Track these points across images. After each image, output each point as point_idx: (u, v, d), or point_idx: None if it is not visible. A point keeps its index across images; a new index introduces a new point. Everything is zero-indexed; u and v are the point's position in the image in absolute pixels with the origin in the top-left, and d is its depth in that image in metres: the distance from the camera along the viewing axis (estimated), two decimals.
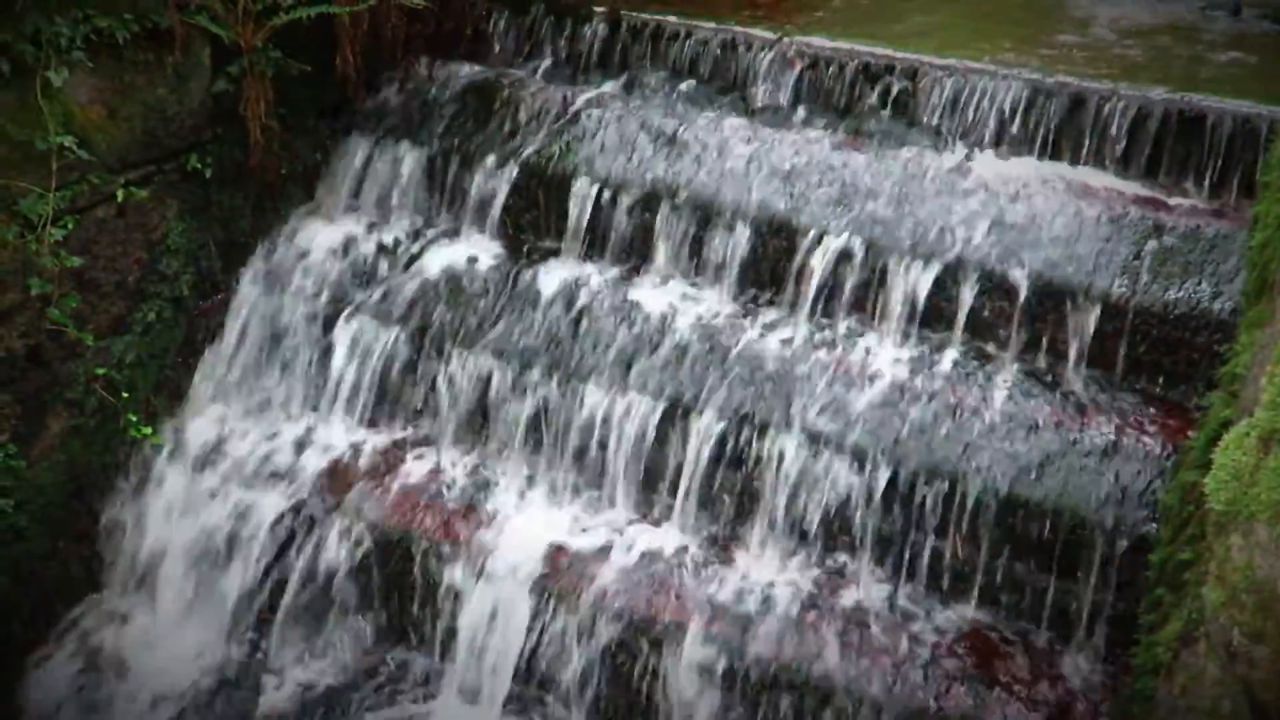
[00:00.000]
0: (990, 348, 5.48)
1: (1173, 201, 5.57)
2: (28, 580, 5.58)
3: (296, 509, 5.60)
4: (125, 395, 5.68)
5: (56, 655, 5.56)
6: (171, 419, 5.95)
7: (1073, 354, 5.36)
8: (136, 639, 5.61)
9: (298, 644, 5.52)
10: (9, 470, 5.38)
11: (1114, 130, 5.75)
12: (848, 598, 5.14)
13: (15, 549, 5.50)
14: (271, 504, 5.63)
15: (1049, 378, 5.35)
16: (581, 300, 5.88)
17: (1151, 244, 5.38)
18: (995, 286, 5.45)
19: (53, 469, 5.57)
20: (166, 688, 5.40)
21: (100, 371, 5.61)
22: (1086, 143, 5.82)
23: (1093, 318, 5.32)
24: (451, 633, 5.36)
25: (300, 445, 5.88)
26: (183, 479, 5.78)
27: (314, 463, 5.79)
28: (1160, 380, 5.26)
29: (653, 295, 5.88)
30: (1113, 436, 5.06)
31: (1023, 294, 5.41)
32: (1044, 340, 5.41)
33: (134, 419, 5.66)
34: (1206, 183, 5.64)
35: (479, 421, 5.81)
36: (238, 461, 5.82)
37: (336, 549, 5.51)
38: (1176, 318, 5.20)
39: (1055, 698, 4.75)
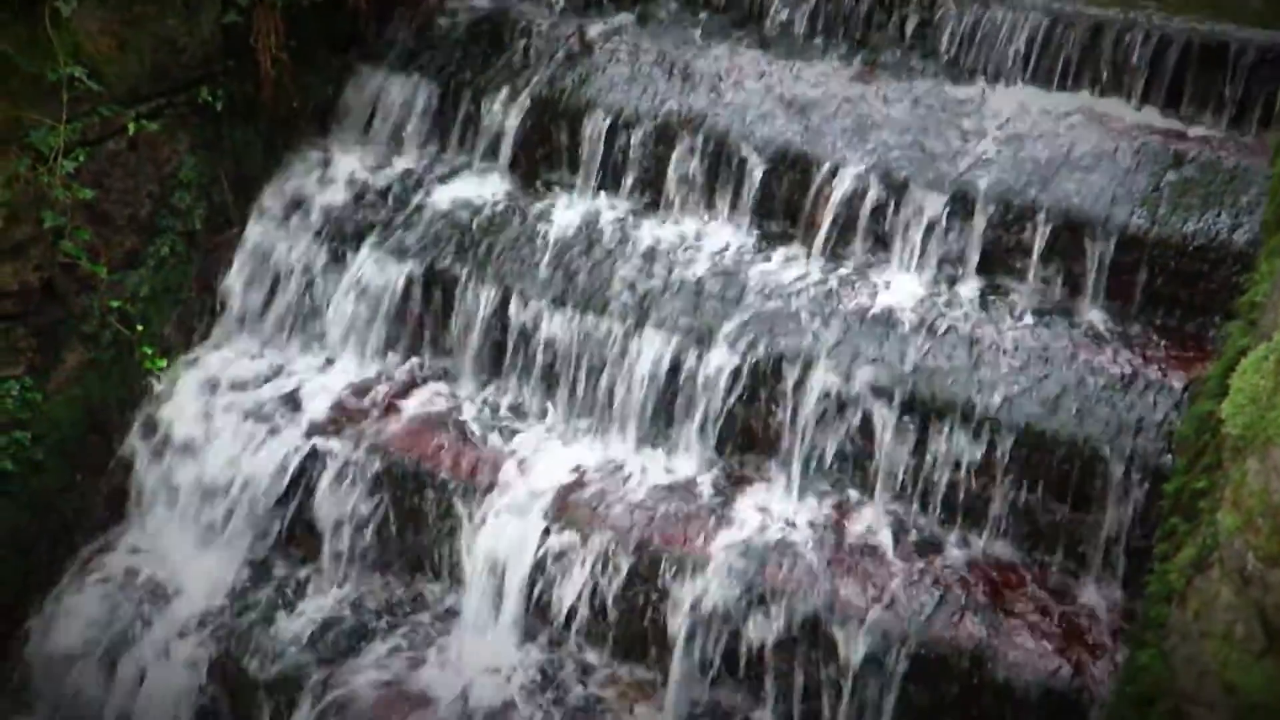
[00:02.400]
0: (1007, 280, 5.44)
1: (1193, 132, 5.52)
2: (46, 513, 5.63)
3: (309, 441, 5.61)
4: (140, 329, 5.70)
5: (76, 587, 5.60)
6: (186, 352, 5.97)
7: (1090, 287, 5.32)
8: (155, 570, 5.64)
9: (312, 574, 5.55)
10: (26, 403, 5.41)
11: (1134, 60, 5.68)
12: (862, 529, 5.14)
13: (33, 482, 5.54)
14: (285, 436, 5.65)
15: (1066, 310, 5.32)
16: (595, 234, 5.86)
17: (1171, 175, 5.32)
18: (1012, 219, 5.41)
19: (69, 402, 5.60)
20: (185, 618, 5.44)
21: (115, 305, 5.62)
22: (1106, 73, 5.75)
23: (1110, 250, 5.28)
24: (465, 563, 5.37)
25: (313, 378, 5.89)
26: (197, 412, 5.79)
27: (327, 396, 5.80)
28: (1178, 313, 5.23)
29: (667, 229, 5.86)
30: (1129, 369, 5.04)
31: (1040, 226, 5.36)
32: (1061, 273, 5.37)
33: (149, 352, 5.68)
34: (1228, 114, 5.57)
35: (492, 355, 5.81)
36: (252, 394, 5.84)
37: (350, 480, 5.52)
38: (1195, 249, 5.15)
39: (1068, 628, 4.76)
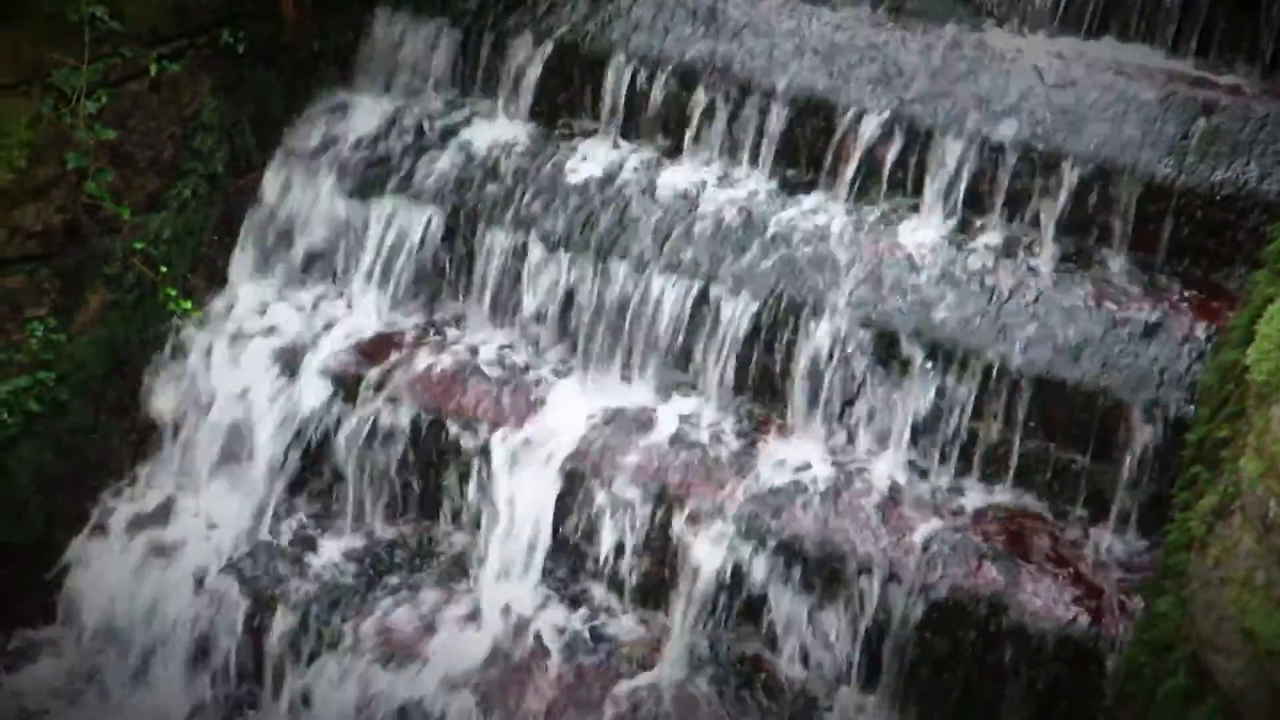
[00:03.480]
0: (1031, 229, 5.40)
1: (1223, 81, 5.45)
2: (70, 453, 5.67)
3: (330, 384, 5.63)
4: (163, 270, 5.71)
5: (101, 526, 5.65)
6: (208, 295, 5.98)
7: (1115, 236, 5.28)
8: (178, 511, 5.69)
9: (335, 517, 5.60)
10: (50, 344, 5.44)
11: (1165, 7, 5.60)
12: (880, 477, 5.15)
13: (58, 422, 5.58)
14: (305, 379, 5.67)
15: (1090, 259, 5.29)
16: (616, 180, 5.83)
17: (1200, 124, 5.27)
18: (1038, 167, 5.36)
19: (93, 344, 5.63)
20: (209, 557, 5.49)
21: (138, 246, 5.64)
22: (1136, 20, 5.68)
23: (1136, 199, 5.23)
24: (484, 508, 5.40)
25: (333, 323, 5.90)
26: (219, 354, 5.81)
27: (347, 340, 5.81)
28: (1203, 263, 5.19)
29: (688, 175, 5.82)
30: (1153, 318, 5.01)
31: (1066, 175, 5.32)
32: (1086, 222, 5.33)
33: (171, 294, 5.70)
34: (1259, 62, 5.50)
35: (513, 301, 5.81)
36: (273, 338, 5.85)
37: (369, 424, 5.54)
38: (1223, 199, 5.11)
39: (1088, 576, 4.76)
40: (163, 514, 5.71)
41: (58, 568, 5.60)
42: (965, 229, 5.43)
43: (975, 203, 5.46)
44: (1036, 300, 5.14)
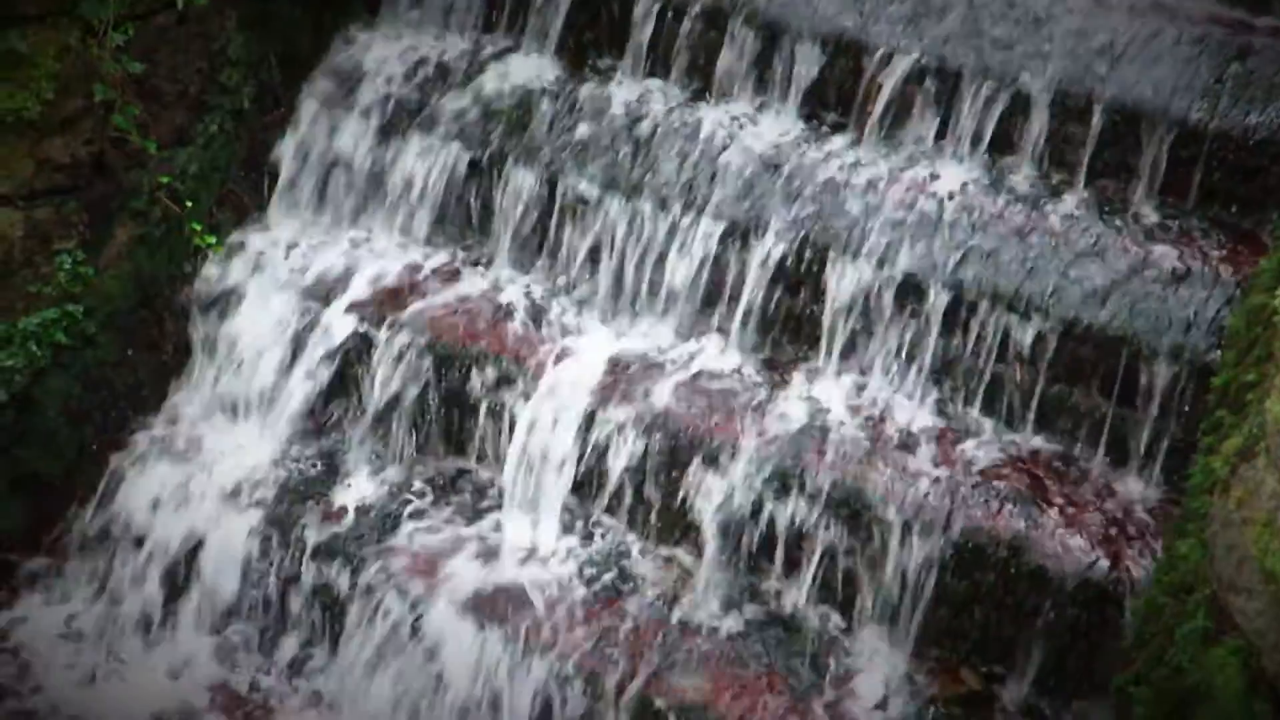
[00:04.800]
0: (1060, 172, 5.36)
1: (1260, 23, 5.36)
2: (99, 387, 5.72)
3: (354, 321, 5.66)
4: (189, 205, 5.73)
5: (129, 459, 5.71)
6: (233, 232, 6.00)
7: (1144, 180, 5.23)
8: (205, 445, 5.74)
9: (360, 453, 5.64)
10: (78, 277, 5.47)
11: None
12: (903, 420, 5.14)
13: (86, 355, 5.63)
14: (330, 316, 5.69)
15: (1119, 204, 5.24)
16: (643, 120, 5.80)
17: (1235, 67, 5.19)
18: (1068, 109, 5.30)
19: (120, 277, 5.67)
20: (234, 491, 5.54)
21: (164, 181, 5.65)
22: None
23: (1168, 143, 5.17)
24: (506, 445, 5.42)
25: (358, 262, 5.91)
26: (245, 291, 5.84)
27: (371, 278, 5.82)
28: (1234, 208, 5.13)
29: (716, 115, 5.79)
30: (1181, 264, 4.97)
31: (1096, 117, 5.26)
32: (1116, 165, 5.27)
33: (198, 228, 5.72)
34: None
35: (537, 240, 5.81)
36: (297, 276, 5.87)
37: (395, 363, 5.57)
38: (1257, 143, 5.04)
39: (1108, 521, 4.76)
40: (190, 448, 5.75)
41: (86, 498, 5.66)
42: (994, 172, 5.39)
43: (1005, 145, 5.41)
44: (1064, 244, 5.10)
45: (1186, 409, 4.77)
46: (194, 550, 5.41)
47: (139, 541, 5.50)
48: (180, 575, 5.44)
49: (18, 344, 5.40)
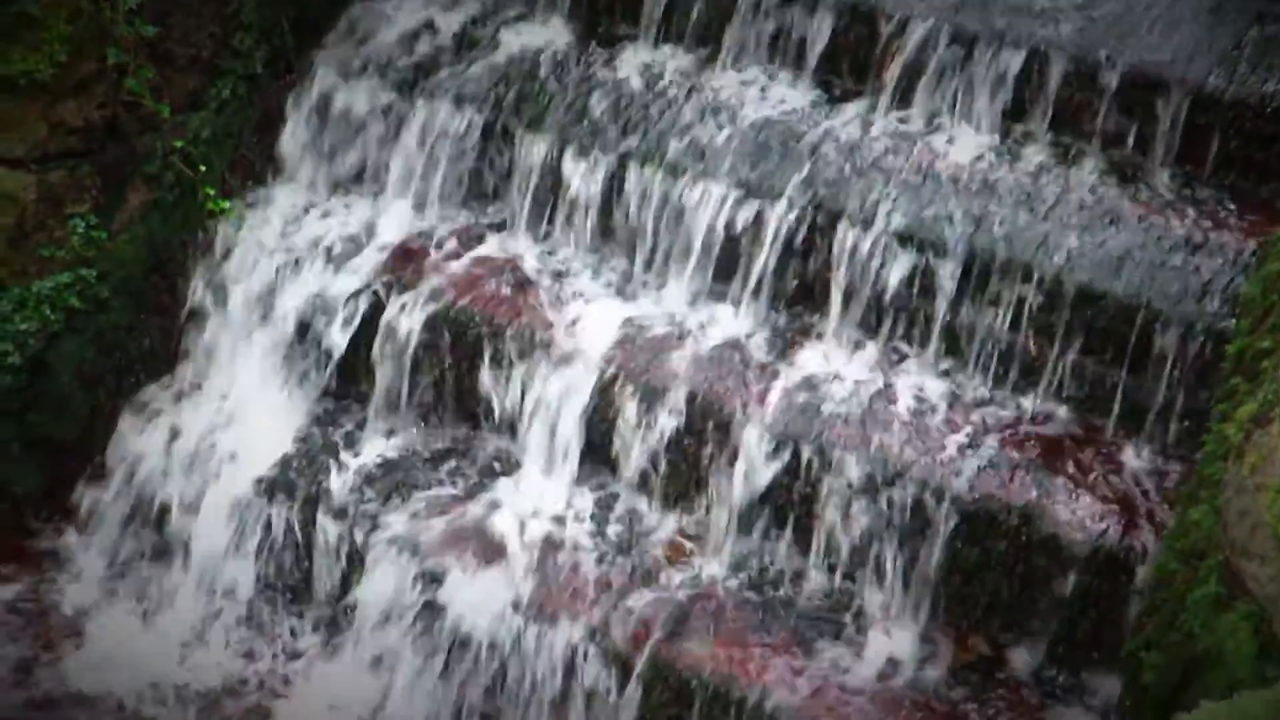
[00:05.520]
0: (1076, 140, 5.32)
1: None
2: (112, 351, 5.76)
3: (368, 287, 5.66)
4: (202, 170, 5.74)
5: (142, 422, 5.73)
6: (246, 197, 6.00)
7: (1160, 147, 5.19)
8: (216, 409, 5.77)
9: (373, 417, 5.65)
10: (91, 241, 5.49)
11: None
12: (915, 388, 5.13)
13: (99, 319, 5.66)
14: (344, 282, 5.70)
15: (1135, 171, 5.20)
16: (655, 86, 5.78)
17: (1253, 33, 5.15)
18: (1084, 76, 5.26)
19: (133, 242, 5.68)
20: (248, 455, 5.56)
21: (177, 145, 5.67)
22: None
23: (1184, 110, 5.13)
24: (520, 411, 5.43)
25: (371, 227, 5.92)
26: (256, 256, 5.85)
27: (384, 244, 5.83)
28: (1251, 176, 5.09)
29: (729, 82, 5.76)
30: (1197, 232, 4.95)
31: (1113, 85, 5.22)
32: (1132, 133, 5.23)
33: (210, 192, 5.72)
34: None
35: (551, 206, 5.80)
36: (310, 241, 5.88)
37: (407, 327, 5.58)
38: (1274, 110, 4.99)
39: (1120, 488, 4.75)
40: (203, 412, 5.78)
41: (99, 461, 5.69)
42: (1009, 139, 5.36)
43: (1020, 113, 5.38)
44: (1079, 212, 5.08)
45: (1200, 377, 4.75)
46: (206, 510, 5.43)
47: (152, 502, 5.53)
48: (192, 534, 5.46)
49: (31, 307, 5.43)
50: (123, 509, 5.61)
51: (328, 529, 5.31)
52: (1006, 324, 5.06)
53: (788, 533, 5.07)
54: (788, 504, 5.03)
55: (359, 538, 5.26)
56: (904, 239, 5.18)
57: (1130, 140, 5.25)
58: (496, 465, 5.50)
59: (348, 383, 5.75)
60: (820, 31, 5.67)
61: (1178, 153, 5.18)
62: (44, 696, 5.13)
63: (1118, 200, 5.10)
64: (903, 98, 5.54)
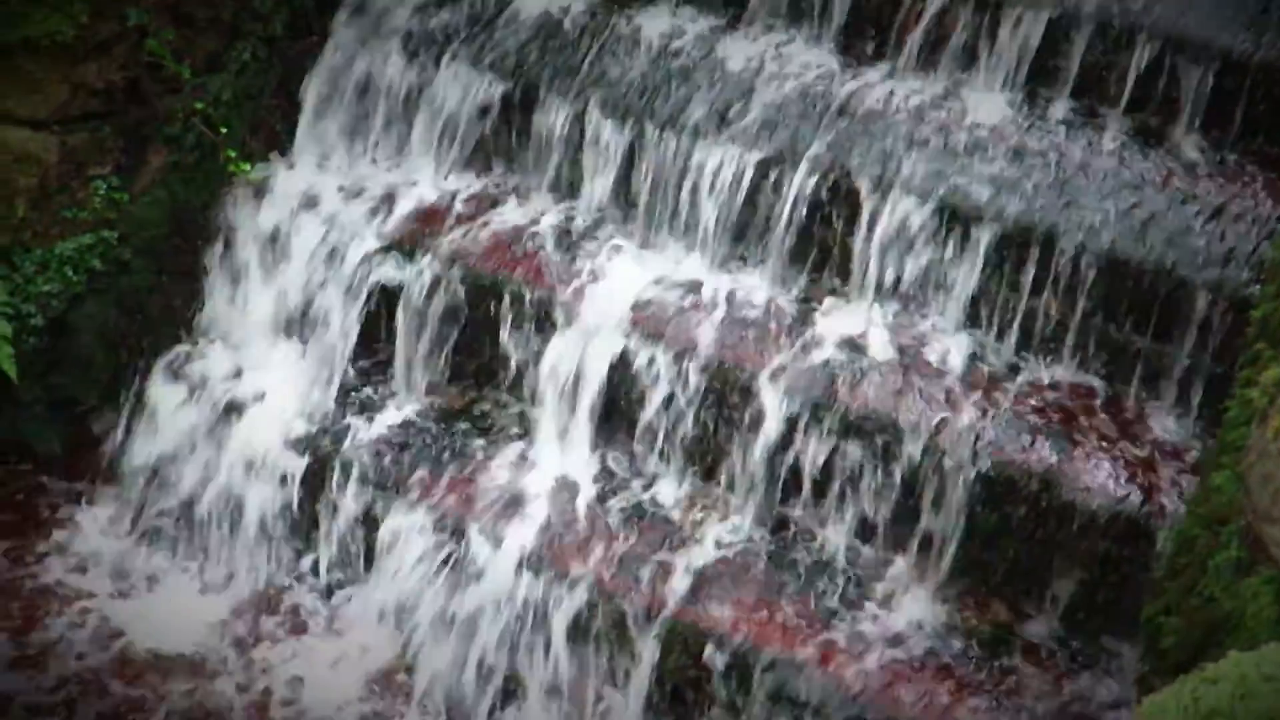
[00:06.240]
0: (1100, 104, 5.28)
1: None
2: (134, 313, 5.78)
3: (388, 251, 5.66)
4: (223, 132, 5.73)
5: (163, 385, 5.76)
6: (267, 159, 6.00)
7: (1186, 112, 5.15)
8: (238, 373, 5.78)
9: (394, 383, 5.67)
10: (113, 202, 5.51)
11: None
12: (935, 353, 5.12)
13: (121, 281, 5.68)
14: (364, 246, 5.69)
15: (1161, 136, 5.16)
16: (677, 49, 5.75)
17: None
18: (1109, 39, 5.22)
19: (155, 204, 5.69)
20: (268, 419, 5.58)
21: (198, 107, 5.66)
22: None
23: (1211, 75, 5.09)
24: (539, 376, 5.43)
25: (391, 191, 5.90)
26: (277, 218, 5.84)
27: (405, 208, 5.81)
28: (1278, 141, 5.05)
29: (750, 46, 5.73)
30: (1223, 198, 4.91)
31: (1139, 49, 5.17)
32: (1157, 97, 5.20)
33: (232, 155, 5.73)
34: None
35: (570, 170, 5.78)
36: (330, 204, 5.87)
37: (426, 291, 5.58)
38: None
39: (1142, 455, 4.74)
40: (224, 376, 5.79)
41: (120, 424, 5.72)
42: (1033, 103, 5.32)
43: (1044, 76, 5.34)
44: (1103, 177, 5.04)
45: (1223, 343, 4.73)
46: (225, 469, 5.47)
47: (174, 464, 5.57)
48: (215, 498, 5.50)
49: (54, 269, 5.45)
50: (144, 469, 5.63)
51: (347, 488, 5.33)
52: (1029, 289, 5.04)
53: (806, 496, 5.07)
54: (807, 467, 5.02)
55: (378, 497, 5.28)
56: (926, 203, 5.15)
57: (1156, 105, 5.21)
58: (516, 427, 5.51)
59: (368, 345, 5.76)
60: None
61: (1204, 117, 5.14)
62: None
63: (1142, 165, 5.06)
64: (926, 61, 5.51)
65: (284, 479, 5.42)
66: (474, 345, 5.61)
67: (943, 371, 5.05)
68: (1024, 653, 4.72)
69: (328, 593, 5.39)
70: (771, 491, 5.10)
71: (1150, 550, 4.51)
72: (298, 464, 5.41)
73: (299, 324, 5.78)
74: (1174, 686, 2.21)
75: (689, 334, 5.22)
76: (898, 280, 5.24)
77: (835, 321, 5.25)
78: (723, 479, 5.19)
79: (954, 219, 5.10)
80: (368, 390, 5.67)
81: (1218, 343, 4.77)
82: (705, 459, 5.24)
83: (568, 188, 5.81)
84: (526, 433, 5.48)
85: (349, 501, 5.33)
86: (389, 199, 5.88)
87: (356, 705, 5.02)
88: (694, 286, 5.43)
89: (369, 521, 5.33)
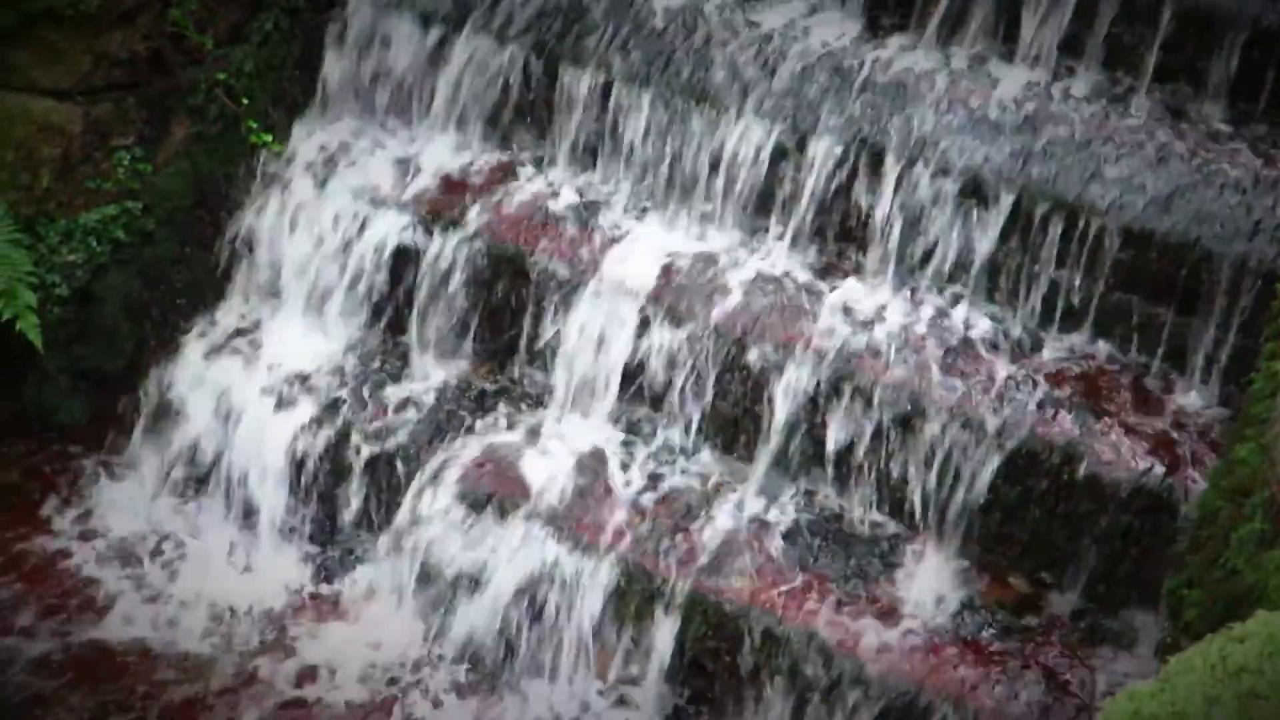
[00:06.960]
0: (1126, 76, 5.26)
1: None
2: (157, 284, 5.79)
3: (409, 222, 5.67)
4: (245, 103, 5.74)
5: (188, 355, 5.78)
6: (289, 130, 6.00)
7: (1213, 84, 5.12)
8: (261, 342, 5.81)
9: (416, 353, 5.68)
10: (137, 173, 5.52)
11: None
12: (957, 325, 5.11)
13: (145, 252, 5.70)
14: (385, 217, 5.70)
15: (1187, 108, 5.13)
16: (698, 20, 5.72)
17: None
18: (1135, 10, 5.19)
19: (178, 175, 5.71)
20: (290, 389, 5.60)
21: (221, 78, 5.66)
22: None
23: (1239, 45, 5.04)
24: (560, 347, 5.44)
25: (413, 160, 5.90)
26: (300, 190, 5.85)
27: (427, 180, 5.82)
28: None
29: (773, 16, 5.70)
30: (1250, 170, 4.88)
31: (1165, 19, 5.13)
32: (1184, 69, 5.17)
33: (254, 126, 5.73)
34: None
35: (591, 142, 5.76)
36: (352, 175, 5.87)
37: (448, 263, 5.58)
38: None
39: (1163, 428, 4.73)
40: (246, 345, 5.82)
41: (145, 392, 5.76)
42: (1058, 74, 5.29)
43: (1070, 47, 5.30)
44: (1129, 149, 5.01)
45: (1248, 316, 4.70)
46: (245, 440, 5.50)
47: (194, 434, 5.60)
48: (237, 468, 5.53)
49: (78, 239, 5.47)
50: (165, 440, 5.67)
51: (369, 460, 5.35)
52: (1053, 262, 5.02)
53: (829, 469, 5.07)
54: (830, 441, 5.02)
55: (400, 468, 5.30)
56: (949, 175, 5.13)
57: (1183, 77, 5.17)
58: (537, 398, 5.52)
59: (390, 315, 5.77)
60: None
61: (1231, 90, 5.11)
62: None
63: (1169, 138, 5.03)
64: (950, 30, 5.48)
65: (302, 449, 5.43)
66: (496, 315, 5.62)
67: (965, 344, 5.04)
68: (1044, 625, 4.72)
69: (351, 560, 5.42)
70: (792, 463, 5.11)
71: (1172, 523, 4.51)
72: (317, 435, 5.43)
73: (322, 293, 5.79)
74: (1201, 645, 2.22)
75: (711, 305, 5.22)
76: (919, 251, 5.22)
77: (858, 293, 5.25)
78: (744, 450, 5.20)
79: (978, 191, 5.08)
80: (390, 360, 5.69)
81: (1243, 316, 4.74)
82: (727, 431, 5.25)
83: (589, 158, 5.80)
84: (547, 402, 5.48)
85: (371, 470, 5.35)
86: (411, 169, 5.88)
87: (380, 673, 5.07)
88: (715, 258, 5.42)
89: (390, 490, 5.35)
